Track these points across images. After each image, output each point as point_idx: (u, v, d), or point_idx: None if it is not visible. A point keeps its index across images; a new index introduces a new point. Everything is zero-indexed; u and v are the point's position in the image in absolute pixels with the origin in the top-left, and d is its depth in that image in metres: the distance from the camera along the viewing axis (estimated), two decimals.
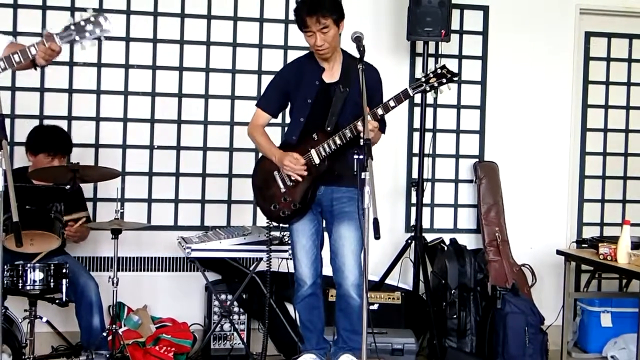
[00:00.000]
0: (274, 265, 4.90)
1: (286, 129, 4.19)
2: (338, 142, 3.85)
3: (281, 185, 4.00)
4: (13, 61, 3.30)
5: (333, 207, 3.98)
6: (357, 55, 3.70)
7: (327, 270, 4.14)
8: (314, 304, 4.11)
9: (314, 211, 4.03)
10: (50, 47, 3.27)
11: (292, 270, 4.25)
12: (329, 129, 3.90)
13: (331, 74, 3.98)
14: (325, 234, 4.12)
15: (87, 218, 4.69)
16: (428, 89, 3.82)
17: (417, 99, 5.44)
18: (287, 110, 4.17)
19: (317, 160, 3.92)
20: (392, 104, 3.83)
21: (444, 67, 3.83)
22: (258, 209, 5.29)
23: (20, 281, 4.06)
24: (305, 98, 3.96)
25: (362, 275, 3.81)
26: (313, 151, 3.91)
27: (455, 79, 3.88)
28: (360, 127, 3.71)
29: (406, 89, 3.83)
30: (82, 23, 3.28)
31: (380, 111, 3.81)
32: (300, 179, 3.92)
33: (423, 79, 3.83)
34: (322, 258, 4.10)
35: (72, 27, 3.27)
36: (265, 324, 4.73)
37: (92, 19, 3.30)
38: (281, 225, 4.32)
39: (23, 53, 3.30)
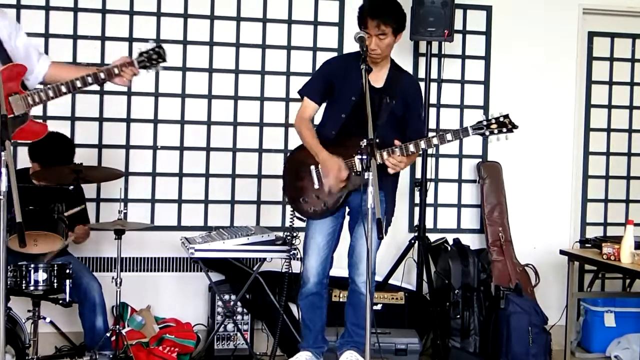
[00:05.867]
0: (278, 266, 4.90)
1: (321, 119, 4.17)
2: (385, 156, 3.84)
3: (316, 182, 3.99)
4: (80, 85, 3.45)
5: (361, 207, 3.99)
6: (404, 67, 3.96)
7: (334, 272, 4.15)
8: (317, 303, 4.11)
9: (339, 212, 4.05)
10: (133, 72, 3.55)
11: (295, 270, 4.25)
12: (377, 141, 3.90)
13: (376, 78, 3.97)
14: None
15: (84, 210, 4.66)
16: (487, 133, 3.88)
17: None
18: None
19: (359, 168, 3.90)
20: (449, 137, 3.90)
21: (507, 116, 3.89)
22: (260, 209, 5.36)
23: (24, 282, 4.06)
24: (350, 95, 3.94)
25: (373, 274, 3.87)
26: (357, 158, 3.90)
27: (515, 130, 3.91)
28: (412, 149, 3.83)
29: (467, 128, 3.90)
30: (151, 52, 3.59)
31: (435, 140, 3.88)
32: (334, 190, 3.92)
33: (485, 123, 3.89)
34: (332, 259, 4.10)
35: (145, 56, 3.58)
36: (277, 323, 4.72)
37: (158, 49, 3.60)
38: (300, 221, 4.28)
39: (95, 76, 3.47)
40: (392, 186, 4.10)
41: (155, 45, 3.59)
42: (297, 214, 4.13)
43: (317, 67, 4.59)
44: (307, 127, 4.04)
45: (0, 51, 3.39)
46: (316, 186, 3.99)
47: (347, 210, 4.10)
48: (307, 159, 4.01)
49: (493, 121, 3.87)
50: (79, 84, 3.44)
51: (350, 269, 4.02)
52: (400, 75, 4.04)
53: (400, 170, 3.90)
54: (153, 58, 3.59)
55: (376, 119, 3.82)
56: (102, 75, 3.48)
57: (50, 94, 3.42)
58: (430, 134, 3.96)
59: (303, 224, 4.15)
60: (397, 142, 3.83)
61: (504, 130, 3.87)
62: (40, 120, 3.60)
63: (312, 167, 4.00)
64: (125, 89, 5.18)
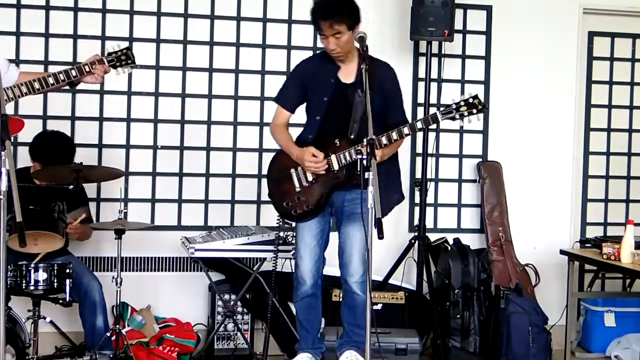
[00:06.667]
0: (278, 266, 4.90)
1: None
2: (353, 153, 3.83)
3: (297, 184, 4.00)
4: (52, 81, 3.63)
5: (345, 207, 4.01)
6: (372, 55, 3.78)
7: (330, 270, 4.15)
8: (313, 304, 4.14)
9: (324, 211, 4.05)
10: (104, 69, 3.73)
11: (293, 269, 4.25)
12: (352, 136, 3.89)
13: (347, 73, 3.97)
14: (333, 233, 4.13)
15: (88, 213, 4.66)
16: (457, 116, 3.84)
17: (420, 98, 5.46)
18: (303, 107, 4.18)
19: (336, 167, 3.92)
20: (419, 126, 3.88)
21: (476, 97, 3.85)
22: (260, 208, 5.37)
23: (24, 281, 4.06)
24: (322, 96, 3.96)
25: (366, 274, 3.83)
26: (333, 157, 3.91)
27: (485, 109, 3.87)
28: (384, 142, 3.80)
29: (435, 113, 3.87)
30: (119, 53, 3.81)
31: (406, 130, 3.85)
32: (322, 172, 3.91)
33: (454, 106, 3.84)
34: (325, 258, 4.11)
35: (113, 55, 3.80)
36: (267, 321, 4.72)
37: (126, 51, 3.83)
38: (292, 224, 4.32)
39: (66, 73, 3.65)
40: (384, 186, 4.05)
41: (124, 47, 3.82)
42: (286, 220, 4.19)
43: None
44: (279, 131, 4.09)
45: None
46: (297, 188, 4.00)
47: (332, 210, 4.10)
48: (285, 163, 4.03)
49: (462, 103, 3.83)
50: (51, 80, 3.61)
51: (342, 269, 4.04)
52: (372, 65, 3.79)
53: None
54: (122, 59, 3.79)
55: (354, 113, 3.84)
56: (73, 72, 3.65)
57: (24, 89, 3.58)
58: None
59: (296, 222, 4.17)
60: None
61: (474, 111, 3.83)
62: (17, 116, 3.72)
63: (292, 170, 4.02)
64: (125, 89, 5.19)
